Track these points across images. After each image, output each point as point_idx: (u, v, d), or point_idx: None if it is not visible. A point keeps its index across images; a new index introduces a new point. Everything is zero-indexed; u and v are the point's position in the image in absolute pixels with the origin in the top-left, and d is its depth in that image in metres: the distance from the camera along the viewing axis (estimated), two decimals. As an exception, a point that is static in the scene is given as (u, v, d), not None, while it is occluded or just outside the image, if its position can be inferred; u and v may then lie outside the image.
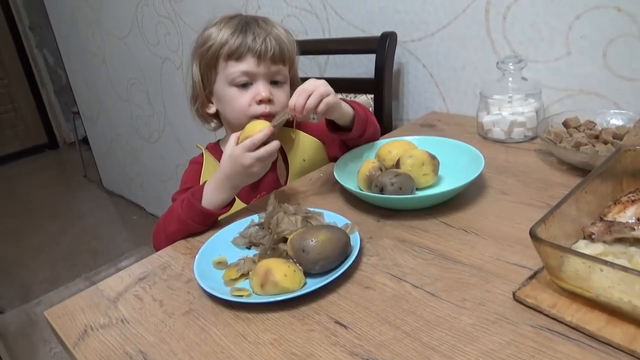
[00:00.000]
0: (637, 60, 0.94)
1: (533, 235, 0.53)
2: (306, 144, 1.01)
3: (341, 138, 0.92)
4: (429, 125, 1.17)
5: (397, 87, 1.35)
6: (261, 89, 0.89)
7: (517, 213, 0.73)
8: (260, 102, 0.89)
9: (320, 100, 0.79)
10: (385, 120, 1.24)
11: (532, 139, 1.01)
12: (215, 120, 0.99)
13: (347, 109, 0.87)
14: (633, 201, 0.62)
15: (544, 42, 1.05)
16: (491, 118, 1.03)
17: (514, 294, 0.56)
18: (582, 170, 0.83)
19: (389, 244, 0.70)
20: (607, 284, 0.50)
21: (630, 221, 0.59)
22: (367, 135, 0.93)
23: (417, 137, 0.94)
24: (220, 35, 0.89)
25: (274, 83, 0.92)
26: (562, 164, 0.88)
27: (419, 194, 0.81)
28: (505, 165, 0.91)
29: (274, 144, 0.77)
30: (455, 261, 0.64)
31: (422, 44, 1.26)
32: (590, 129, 0.91)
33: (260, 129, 0.76)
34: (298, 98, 0.79)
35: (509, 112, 1.01)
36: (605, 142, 0.86)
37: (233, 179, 0.78)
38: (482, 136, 1.06)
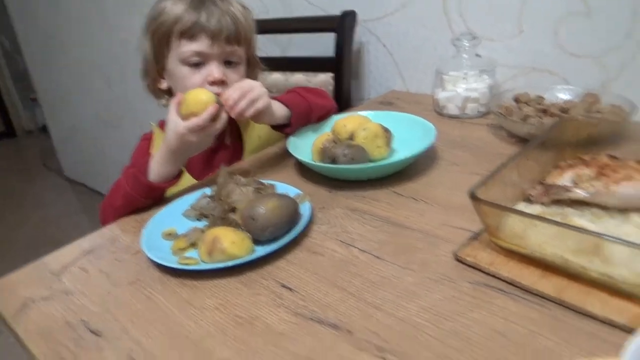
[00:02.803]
0: (586, 37, 0.97)
1: (472, 195, 0.54)
2: (262, 122, 1.00)
3: (282, 133, 0.91)
4: (388, 103, 1.18)
5: (358, 67, 1.36)
6: (214, 70, 0.87)
7: (466, 182, 0.74)
8: (213, 83, 0.87)
9: (251, 105, 0.78)
10: (344, 99, 1.24)
11: (485, 114, 1.03)
12: (167, 96, 0.97)
13: (280, 111, 0.86)
14: (571, 166, 0.64)
15: (498, 20, 1.07)
16: (446, 94, 1.04)
17: (455, 254, 0.57)
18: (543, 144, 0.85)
19: (340, 213, 0.71)
20: (541, 240, 0.52)
21: (567, 184, 0.61)
22: (313, 122, 0.93)
23: (372, 112, 0.95)
24: (174, 10, 0.87)
25: (228, 63, 0.90)
26: (512, 137, 0.90)
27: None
28: (458, 140, 0.93)
29: (221, 121, 0.76)
30: (404, 227, 0.65)
31: (382, 23, 1.27)
32: (540, 104, 0.94)
33: (204, 100, 0.74)
34: (232, 94, 0.77)
35: (464, 88, 1.03)
36: (552, 116, 0.88)
37: (177, 152, 0.76)
38: (438, 113, 1.07)
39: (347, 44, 1.24)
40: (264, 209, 0.63)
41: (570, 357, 0.43)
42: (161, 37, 0.89)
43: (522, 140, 0.87)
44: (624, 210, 0.58)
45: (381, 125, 0.84)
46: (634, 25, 0.91)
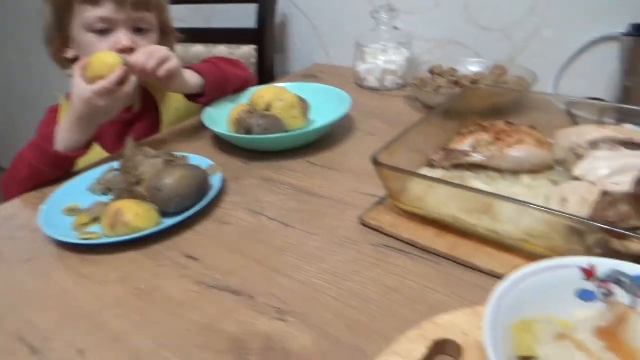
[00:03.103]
0: (496, 11, 1.01)
1: (374, 160, 0.56)
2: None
3: (196, 103, 0.88)
4: (312, 76, 1.18)
5: (282, 40, 1.34)
6: (122, 37, 0.82)
7: (379, 151, 0.77)
8: (122, 51, 0.82)
9: (161, 65, 0.75)
10: (267, 73, 1.23)
11: (404, 86, 1.05)
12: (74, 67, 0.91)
13: (193, 79, 0.83)
14: (472, 132, 0.67)
15: (416, -7, 1.09)
16: (366, 67, 1.06)
17: (360, 218, 0.59)
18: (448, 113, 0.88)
19: (253, 183, 0.70)
20: (438, 202, 0.55)
21: (466, 149, 0.64)
22: (230, 93, 0.91)
23: (290, 83, 0.94)
24: None
25: (138, 31, 0.85)
26: (426, 107, 0.93)
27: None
28: (377, 111, 0.94)
29: (130, 84, 0.72)
30: (315, 195, 0.66)
31: (305, -5, 1.26)
32: (452, 76, 0.97)
33: (110, 63, 0.70)
34: (139, 57, 0.74)
35: (383, 61, 1.04)
36: (463, 87, 0.92)
37: (84, 119, 0.72)
38: (359, 85, 1.09)
39: (269, 15, 1.22)
40: (171, 180, 0.61)
41: (458, 307, 0.45)
42: (62, 2, 0.83)
43: (435, 111, 0.90)
44: (516, 172, 0.62)
45: (298, 96, 0.84)
46: (537, 0, 0.95)
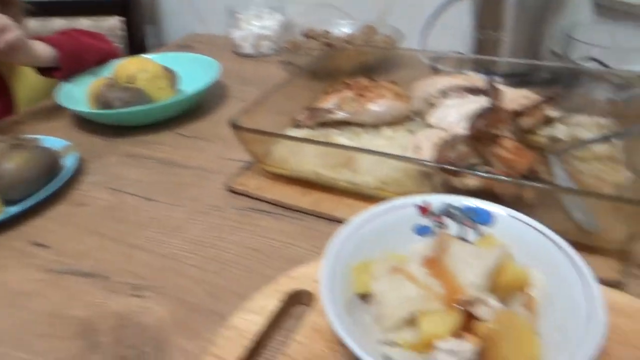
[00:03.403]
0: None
1: (233, 124, 0.54)
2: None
3: (52, 77, 0.81)
4: (187, 47, 1.12)
5: (154, 11, 1.26)
6: None
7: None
8: None
9: None
10: (138, 45, 1.15)
11: (279, 52, 1.04)
12: None
13: (44, 51, 0.76)
14: (337, 91, 0.68)
15: (285, -44, 1.07)
16: (241, 33, 1.02)
17: (227, 184, 0.57)
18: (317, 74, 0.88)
19: (115, 161, 0.66)
20: (299, 160, 0.55)
21: (331, 107, 0.65)
22: (91, 66, 0.84)
23: (156, 54, 0.89)
24: None
25: None
26: (301, 71, 0.92)
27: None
28: (252, 78, 0.92)
29: None
30: (181, 167, 0.63)
31: (173, -40, 1.18)
32: (326, 38, 0.97)
33: None
34: None
35: (257, 26, 1.02)
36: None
37: None
38: (235, 53, 1.05)
39: (134, -16, 1.13)
40: (12, 165, 0.55)
41: (318, 258, 0.46)
42: None
43: (309, 73, 0.90)
44: (377, 125, 0.63)
45: (164, 66, 0.80)
46: (401, -40, 0.98)
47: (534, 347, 0.30)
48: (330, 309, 0.31)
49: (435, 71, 0.76)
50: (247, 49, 1.03)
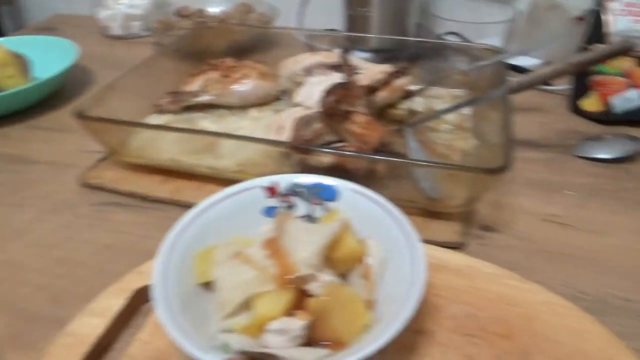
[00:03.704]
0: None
1: (78, 114, 0.50)
2: None
3: None
4: (49, 29, 1.02)
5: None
6: None
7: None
8: None
9: None
10: (-10, 28, 1.03)
11: (151, 32, 0.98)
12: None
13: None
14: (202, 72, 0.65)
15: None
16: (107, 13, 0.95)
17: (81, 178, 0.53)
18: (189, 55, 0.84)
19: (-49, 161, 0.59)
20: (159, 148, 0.52)
21: (195, 90, 0.62)
22: None
23: (4, 38, 0.80)
24: None
25: None
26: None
27: None
28: (121, 61, 0.85)
29: None
30: (31, 162, 0.58)
31: None
32: (200, 17, 0.93)
33: None
34: None
35: (125, 5, 0.95)
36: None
37: None
38: (103, 35, 0.98)
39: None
40: None
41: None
42: None
43: (182, 54, 0.86)
44: (244, 107, 0.62)
45: (13, 52, 0.72)
46: None
47: (362, 316, 0.31)
48: (160, 307, 0.29)
49: (312, 49, 0.76)
50: (116, 30, 0.96)
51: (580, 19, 0.75)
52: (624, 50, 0.50)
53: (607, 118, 0.64)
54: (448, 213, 0.46)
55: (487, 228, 0.47)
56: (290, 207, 0.39)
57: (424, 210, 0.47)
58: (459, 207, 0.46)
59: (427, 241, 0.42)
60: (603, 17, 0.64)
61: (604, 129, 0.63)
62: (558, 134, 0.63)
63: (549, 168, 0.56)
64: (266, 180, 0.39)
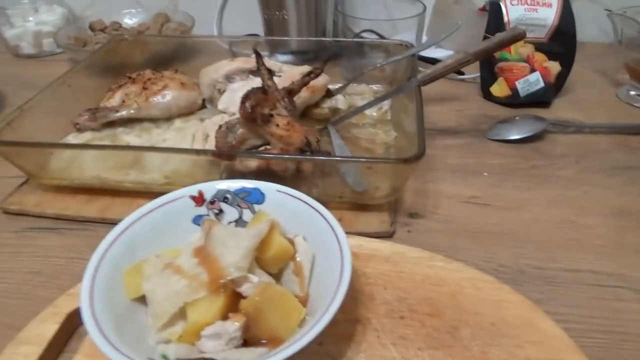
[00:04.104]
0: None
1: (-12, 138, 0.48)
2: None
3: None
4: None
5: None
6: None
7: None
8: None
9: None
10: None
11: (65, 49, 0.94)
12: None
13: None
14: (121, 86, 0.64)
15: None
16: (15, 32, 0.90)
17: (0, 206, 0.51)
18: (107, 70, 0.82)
19: None
20: (81, 166, 0.51)
21: (115, 105, 0.61)
22: None
23: None
24: None
25: None
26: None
27: None
28: (34, 81, 0.81)
29: None
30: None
31: None
32: (116, 30, 0.91)
33: None
34: None
35: (34, 22, 0.91)
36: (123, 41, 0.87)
37: None
38: (14, 54, 0.93)
39: None
40: None
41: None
42: None
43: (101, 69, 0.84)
44: (168, 118, 0.62)
45: None
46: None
47: (296, 311, 0.32)
48: (90, 326, 0.29)
49: (235, 56, 0.76)
50: (27, 48, 0.91)
51: (483, 9, 0.81)
52: (517, 37, 0.54)
53: (515, 101, 0.69)
54: (376, 205, 0.49)
55: (413, 215, 0.50)
56: (220, 213, 0.40)
57: (353, 204, 0.49)
58: (385, 198, 0.48)
59: (359, 233, 0.44)
60: (503, 7, 0.70)
61: (513, 112, 0.68)
62: (473, 120, 0.68)
63: (467, 152, 0.60)
64: (193, 189, 0.40)
